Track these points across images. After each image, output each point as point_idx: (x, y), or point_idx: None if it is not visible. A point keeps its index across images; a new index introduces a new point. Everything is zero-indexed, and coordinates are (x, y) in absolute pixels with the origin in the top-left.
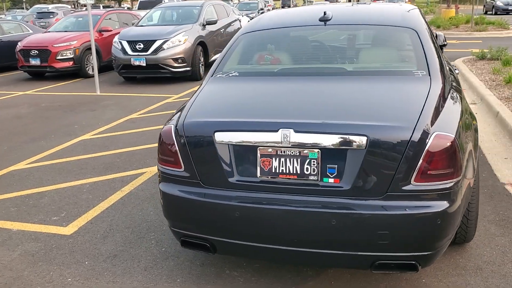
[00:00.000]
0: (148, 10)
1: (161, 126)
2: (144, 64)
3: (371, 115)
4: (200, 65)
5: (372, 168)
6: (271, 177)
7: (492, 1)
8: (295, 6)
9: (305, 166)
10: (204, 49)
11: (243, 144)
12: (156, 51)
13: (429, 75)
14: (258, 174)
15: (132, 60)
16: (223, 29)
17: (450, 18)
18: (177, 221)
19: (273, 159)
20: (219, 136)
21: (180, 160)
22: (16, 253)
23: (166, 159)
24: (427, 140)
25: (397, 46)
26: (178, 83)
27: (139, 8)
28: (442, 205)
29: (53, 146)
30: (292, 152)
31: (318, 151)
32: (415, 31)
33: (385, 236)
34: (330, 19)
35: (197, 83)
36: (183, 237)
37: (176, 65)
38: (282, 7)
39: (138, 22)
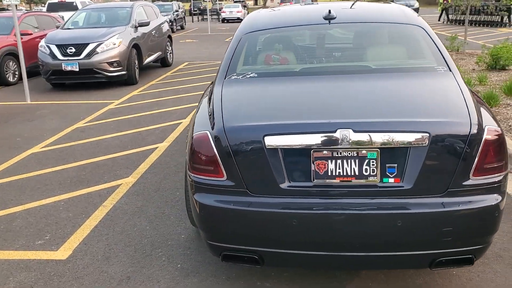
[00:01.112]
0: (58, 13)
1: (116, 134)
2: (77, 69)
3: (427, 112)
4: (136, 68)
5: (434, 165)
6: (327, 181)
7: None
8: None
9: (364, 167)
10: (138, 52)
11: (296, 147)
12: (90, 55)
13: (450, 70)
14: (313, 178)
15: (63, 65)
16: (154, 31)
17: None
18: (218, 234)
19: (329, 161)
20: (270, 141)
21: (222, 168)
22: (10, 285)
23: (203, 168)
24: (482, 134)
25: (410, 43)
26: (112, 88)
27: (47, 10)
28: (497, 198)
29: (0, 162)
30: (349, 153)
31: (377, 151)
32: (422, 28)
33: (448, 233)
34: (335, 18)
35: (134, 88)
36: (225, 251)
37: (111, 69)
38: (193, 10)
39: (64, 24)
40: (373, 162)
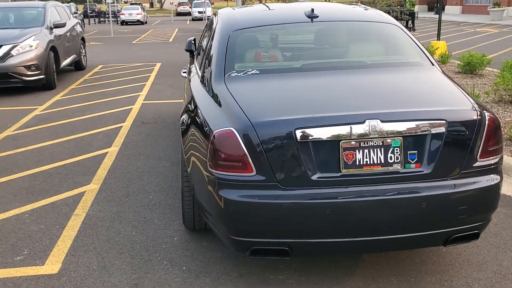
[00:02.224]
0: None
1: (56, 141)
2: None
3: (441, 101)
4: (54, 72)
5: (449, 150)
6: (355, 170)
7: None
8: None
9: (389, 155)
10: (55, 55)
11: (326, 139)
12: (4, 58)
13: (433, 64)
14: (342, 168)
15: None
16: (69, 33)
17: None
18: (248, 230)
19: (357, 151)
20: (301, 134)
21: (251, 163)
22: None
23: (229, 165)
24: (485, 120)
25: (392, 39)
26: (30, 94)
27: None
28: (497, 177)
29: None
30: (375, 143)
31: (400, 139)
32: (397, 26)
33: (462, 211)
34: (317, 16)
35: (54, 93)
36: (254, 245)
37: (29, 73)
38: (88, 12)
39: None
40: (397, 150)
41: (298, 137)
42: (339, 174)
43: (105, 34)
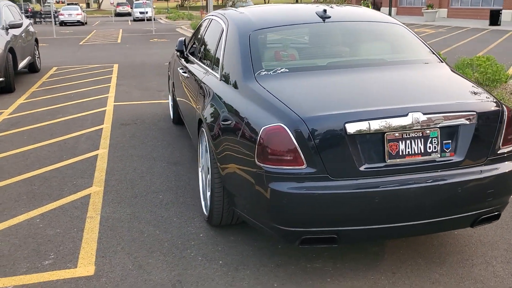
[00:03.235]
0: None
1: (38, 145)
2: None
3: (470, 94)
4: (13, 74)
5: (479, 139)
6: (398, 160)
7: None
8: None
9: (428, 145)
10: (13, 56)
11: (373, 132)
12: None
13: (442, 62)
14: (386, 159)
15: None
16: (24, 34)
17: None
18: (300, 220)
19: (400, 142)
20: (350, 127)
21: (302, 157)
22: None
23: (279, 159)
24: (505, 111)
25: (402, 38)
26: None
27: None
28: None
29: None
30: (416, 134)
31: (437, 130)
32: (403, 26)
33: (490, 194)
34: (330, 17)
35: (15, 96)
36: (305, 235)
37: None
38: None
39: None
40: (434, 140)
41: (348, 131)
42: (383, 164)
43: (47, 35)
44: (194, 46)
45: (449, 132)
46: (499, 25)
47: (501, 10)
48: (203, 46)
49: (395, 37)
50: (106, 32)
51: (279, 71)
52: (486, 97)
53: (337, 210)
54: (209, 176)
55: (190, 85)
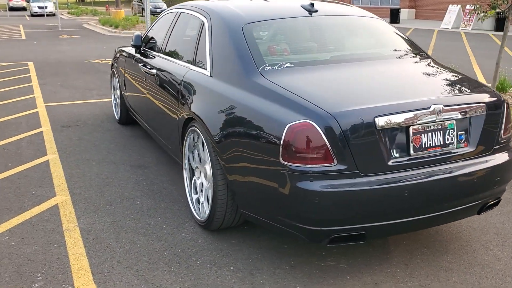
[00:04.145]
0: None
1: None
2: None
3: (477, 87)
4: None
5: (487, 130)
6: (421, 153)
7: (140, 4)
8: None
9: (446, 136)
10: None
11: (400, 125)
12: None
13: (428, 56)
14: (411, 152)
15: None
16: None
17: (124, 18)
18: (329, 219)
19: (422, 135)
20: (380, 121)
21: (332, 153)
22: None
23: (308, 156)
24: (504, 102)
25: (388, 33)
26: None
27: None
28: None
29: None
30: (437, 126)
31: (454, 122)
32: (383, 21)
33: (497, 181)
34: (317, 11)
35: None
36: (334, 234)
37: None
38: None
39: None
40: (452, 131)
41: (378, 125)
42: (408, 158)
43: None
44: (154, 41)
45: (464, 124)
46: (399, 22)
47: (399, 9)
48: (175, 41)
49: (380, 31)
50: (4, 28)
51: (284, 66)
52: (489, 89)
53: (368, 206)
54: (201, 180)
55: (160, 82)
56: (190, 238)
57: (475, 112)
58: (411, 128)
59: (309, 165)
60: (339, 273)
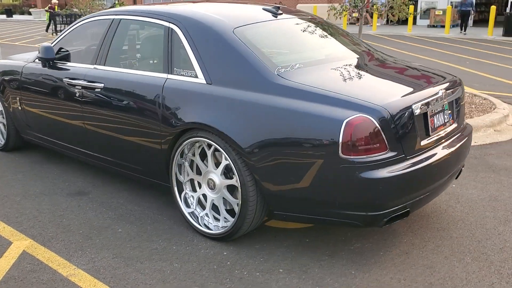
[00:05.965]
0: None
1: None
2: None
3: (446, 72)
4: None
5: (461, 106)
6: (435, 132)
7: None
8: None
9: (444, 116)
10: None
11: (426, 110)
12: None
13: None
14: (430, 132)
15: None
16: None
17: None
18: (385, 203)
19: (434, 117)
20: (416, 108)
21: (386, 143)
22: None
23: (367, 148)
24: (462, 83)
25: (341, 31)
26: None
27: None
28: None
29: None
30: (440, 108)
31: (447, 103)
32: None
33: (469, 150)
34: (281, 13)
35: None
36: (387, 215)
37: None
38: None
39: None
40: (447, 112)
41: (415, 111)
42: (428, 138)
43: None
44: (78, 52)
45: (451, 105)
46: None
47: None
48: (125, 51)
49: (337, 31)
50: None
51: (295, 67)
52: (450, 74)
53: (413, 184)
54: (201, 192)
55: (114, 96)
56: (213, 253)
57: (458, 93)
58: (429, 112)
59: (369, 156)
60: (378, 256)
